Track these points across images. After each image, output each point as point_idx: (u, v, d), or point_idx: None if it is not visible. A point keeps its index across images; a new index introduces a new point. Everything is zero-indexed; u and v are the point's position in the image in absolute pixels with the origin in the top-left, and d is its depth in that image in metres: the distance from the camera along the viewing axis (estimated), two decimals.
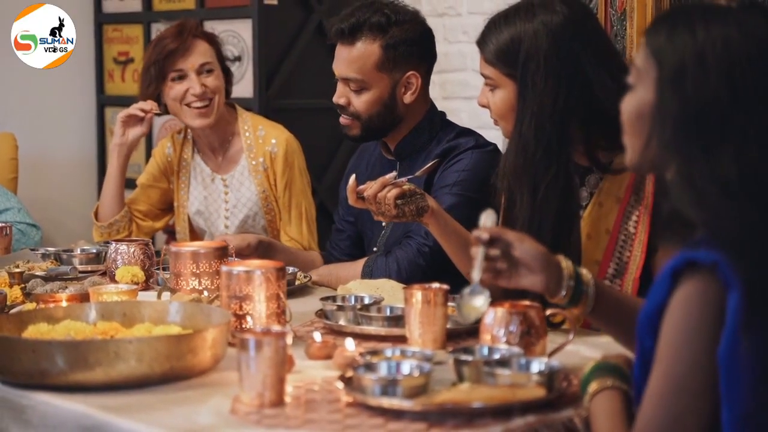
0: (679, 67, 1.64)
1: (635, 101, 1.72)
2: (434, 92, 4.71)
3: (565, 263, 1.98)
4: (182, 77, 3.63)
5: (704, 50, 1.63)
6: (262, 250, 3.13)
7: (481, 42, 2.54)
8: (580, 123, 2.44)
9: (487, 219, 1.99)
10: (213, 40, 3.72)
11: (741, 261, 1.56)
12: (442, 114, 3.19)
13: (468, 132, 3.14)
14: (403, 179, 2.63)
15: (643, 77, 1.70)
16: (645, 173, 1.75)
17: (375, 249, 3.12)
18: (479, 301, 1.98)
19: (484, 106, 2.60)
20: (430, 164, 2.82)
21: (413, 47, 3.06)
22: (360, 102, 3.05)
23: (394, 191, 2.60)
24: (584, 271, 1.99)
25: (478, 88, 4.59)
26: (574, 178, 2.47)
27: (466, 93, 4.73)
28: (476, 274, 1.96)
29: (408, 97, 3.07)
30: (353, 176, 2.68)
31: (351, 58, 3.04)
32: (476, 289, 1.97)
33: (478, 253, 1.95)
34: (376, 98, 3.05)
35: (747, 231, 1.58)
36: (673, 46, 1.65)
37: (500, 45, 2.48)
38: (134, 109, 3.64)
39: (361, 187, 2.65)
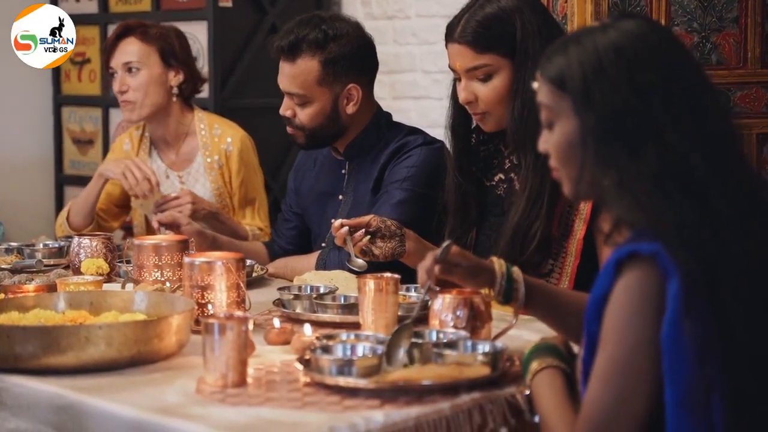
0: (584, 86, 1.75)
1: (561, 134, 1.81)
2: (384, 92, 4.86)
3: (498, 266, 2.11)
4: (113, 74, 3.80)
5: (600, 62, 1.75)
6: (208, 243, 3.19)
7: (464, 36, 2.66)
8: None
9: (445, 251, 2.10)
10: (150, 39, 3.79)
11: (679, 250, 1.67)
12: (388, 115, 3.29)
13: (416, 131, 3.25)
14: (360, 234, 2.65)
15: (558, 110, 1.80)
16: (585, 199, 1.87)
17: (323, 245, 3.22)
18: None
19: (469, 102, 2.72)
20: None
21: (352, 61, 3.14)
22: (304, 115, 3.14)
23: (359, 244, 2.64)
24: (515, 271, 2.11)
25: (426, 88, 4.79)
26: None
27: (415, 93, 4.85)
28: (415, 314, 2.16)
29: (350, 108, 3.15)
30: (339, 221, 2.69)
31: (292, 75, 3.12)
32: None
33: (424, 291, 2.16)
34: (318, 111, 3.14)
35: (682, 222, 1.69)
36: (571, 69, 1.77)
37: (493, 31, 2.65)
38: (139, 188, 3.63)
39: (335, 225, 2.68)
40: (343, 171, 3.26)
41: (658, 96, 1.73)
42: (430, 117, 4.64)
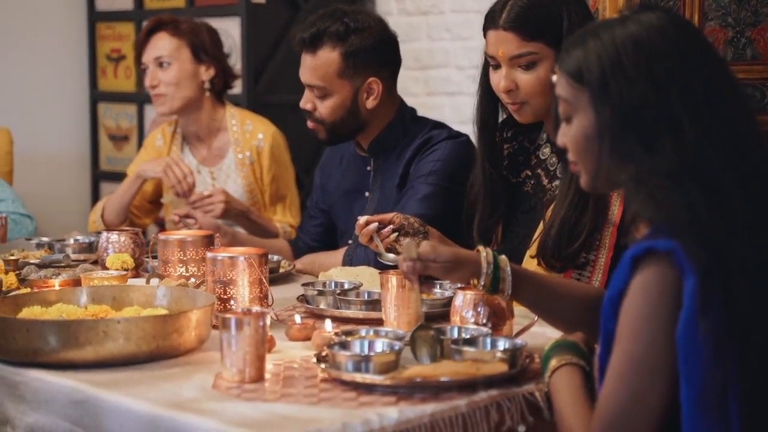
0: (602, 79, 1.73)
1: (578, 128, 1.79)
2: (418, 88, 4.85)
3: (485, 254, 2.06)
4: (145, 69, 3.81)
5: (618, 55, 1.73)
6: (227, 240, 3.21)
7: (509, 22, 2.64)
8: None
9: (409, 251, 2.07)
10: (181, 33, 3.80)
11: (695, 248, 1.64)
12: (413, 110, 3.28)
13: (441, 125, 3.23)
14: (388, 230, 2.64)
15: (576, 104, 1.78)
16: (601, 191, 1.85)
17: (350, 242, 3.20)
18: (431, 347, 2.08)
19: (509, 90, 2.69)
20: None
21: (373, 54, 3.13)
22: (324, 108, 3.14)
23: (385, 241, 2.63)
24: (502, 258, 2.07)
25: (460, 84, 4.77)
26: None
27: (449, 89, 4.83)
28: (420, 313, 2.11)
29: (370, 103, 3.14)
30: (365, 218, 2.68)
31: (313, 66, 3.12)
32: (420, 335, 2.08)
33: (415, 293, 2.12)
34: (338, 104, 3.13)
35: (698, 219, 1.67)
36: (588, 62, 1.75)
37: (540, 18, 2.63)
38: (176, 185, 3.61)
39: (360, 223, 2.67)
40: (368, 168, 3.25)
41: (676, 90, 1.71)
42: (464, 113, 4.60)
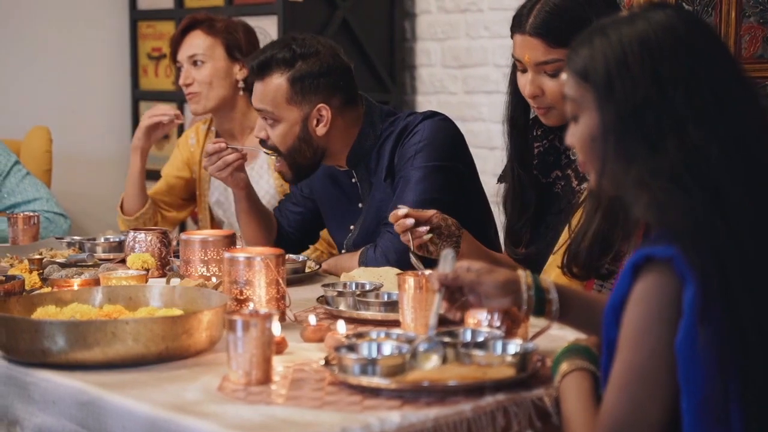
0: (607, 78, 1.70)
1: (584, 127, 1.77)
2: (456, 87, 4.82)
3: (524, 275, 1.99)
4: (180, 68, 3.82)
5: (624, 55, 1.69)
6: (246, 182, 3.30)
7: (536, 28, 2.61)
8: None
9: (446, 263, 2.03)
10: (215, 32, 3.80)
11: (695, 255, 1.61)
12: (380, 107, 3.23)
13: (413, 112, 3.22)
14: (424, 230, 2.61)
15: (582, 103, 1.76)
16: (608, 194, 1.82)
17: (343, 251, 3.20)
18: (432, 362, 1.98)
19: (535, 96, 2.66)
20: None
21: (320, 80, 3.08)
22: (275, 135, 3.11)
23: (418, 239, 2.61)
24: (545, 280, 2.00)
25: (498, 82, 4.73)
26: None
27: (487, 87, 4.79)
28: (432, 322, 2.02)
29: (320, 130, 3.10)
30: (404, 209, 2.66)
31: (263, 93, 3.10)
32: (431, 346, 1.99)
33: (435, 300, 2.02)
34: (288, 131, 3.09)
35: (700, 225, 1.63)
36: (594, 61, 1.72)
37: (567, 24, 2.59)
38: (157, 117, 3.71)
39: (400, 213, 2.62)
40: (353, 180, 3.22)
41: (681, 90, 1.67)
42: (502, 112, 4.58)
